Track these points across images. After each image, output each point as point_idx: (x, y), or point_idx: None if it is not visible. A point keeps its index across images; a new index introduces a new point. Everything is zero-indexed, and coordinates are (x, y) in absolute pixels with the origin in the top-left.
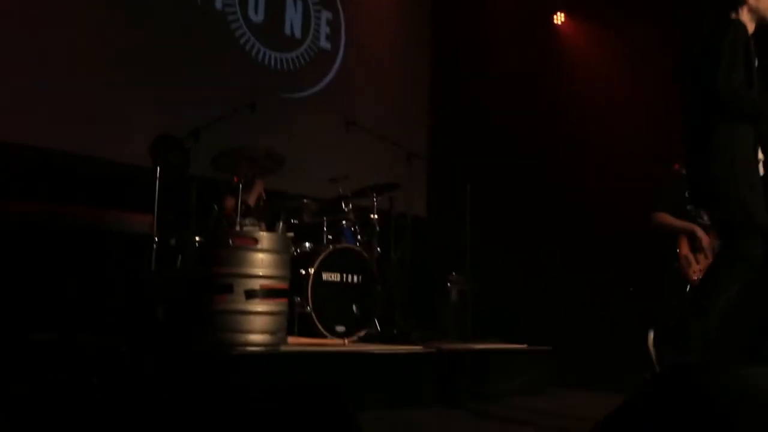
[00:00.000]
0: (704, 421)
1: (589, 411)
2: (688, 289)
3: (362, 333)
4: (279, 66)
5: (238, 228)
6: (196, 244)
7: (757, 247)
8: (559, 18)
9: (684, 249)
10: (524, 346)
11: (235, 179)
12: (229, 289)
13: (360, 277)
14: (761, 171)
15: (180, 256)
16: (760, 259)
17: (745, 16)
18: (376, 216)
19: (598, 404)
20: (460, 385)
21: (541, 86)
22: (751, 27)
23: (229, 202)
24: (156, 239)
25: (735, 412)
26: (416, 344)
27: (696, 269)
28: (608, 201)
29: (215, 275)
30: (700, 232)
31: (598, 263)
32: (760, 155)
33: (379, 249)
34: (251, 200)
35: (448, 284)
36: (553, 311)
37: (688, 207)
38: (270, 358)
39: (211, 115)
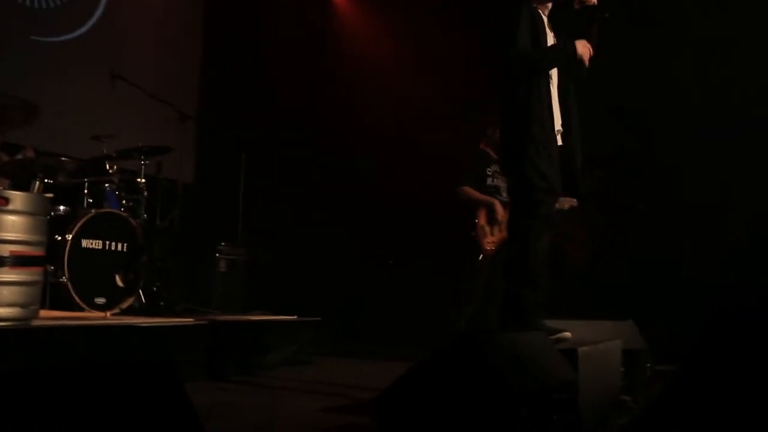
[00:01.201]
0: (484, 377)
1: (356, 379)
2: (480, 257)
3: (125, 305)
4: (30, 3)
5: None
6: None
7: (552, 207)
8: None
9: (482, 219)
10: (294, 317)
11: None
12: None
13: (124, 245)
14: (559, 141)
15: None
16: (555, 220)
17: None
18: (143, 180)
19: (366, 372)
20: (228, 358)
21: (319, 59)
22: (543, 9)
23: None
24: None
25: (508, 369)
26: (183, 316)
27: (490, 240)
28: (381, 173)
29: None
30: (498, 206)
31: (368, 236)
32: (558, 126)
33: (145, 215)
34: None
35: (217, 254)
36: (323, 283)
37: (489, 183)
38: (20, 334)
39: None
